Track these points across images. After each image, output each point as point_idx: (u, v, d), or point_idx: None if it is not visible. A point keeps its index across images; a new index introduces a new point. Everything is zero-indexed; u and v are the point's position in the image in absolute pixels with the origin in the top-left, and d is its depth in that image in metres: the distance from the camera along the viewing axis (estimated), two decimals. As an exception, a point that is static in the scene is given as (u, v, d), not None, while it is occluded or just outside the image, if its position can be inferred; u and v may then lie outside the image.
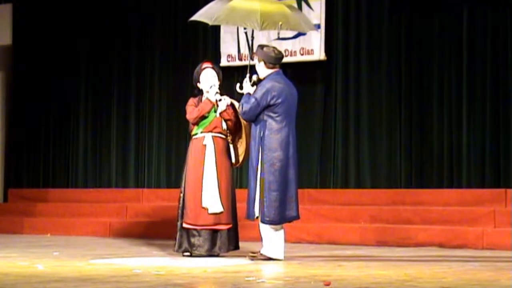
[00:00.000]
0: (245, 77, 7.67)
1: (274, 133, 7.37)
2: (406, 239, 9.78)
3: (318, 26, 11.20)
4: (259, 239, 7.52)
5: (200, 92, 7.93)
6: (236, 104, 7.78)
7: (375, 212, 10.43)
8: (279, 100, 7.39)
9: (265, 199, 7.33)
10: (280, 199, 7.35)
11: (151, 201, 12.16)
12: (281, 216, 7.38)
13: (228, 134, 7.85)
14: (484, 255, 8.50)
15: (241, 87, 7.68)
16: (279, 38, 10.58)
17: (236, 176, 11.62)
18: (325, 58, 11.24)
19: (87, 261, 7.11)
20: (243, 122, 7.80)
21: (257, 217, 7.42)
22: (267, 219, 7.33)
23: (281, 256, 7.39)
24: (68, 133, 13.19)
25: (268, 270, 6.53)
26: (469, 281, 5.66)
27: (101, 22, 13.00)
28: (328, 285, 5.19)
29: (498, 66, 10.39)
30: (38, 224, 12.22)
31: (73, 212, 12.34)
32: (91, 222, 11.93)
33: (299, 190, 10.83)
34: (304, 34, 11.04)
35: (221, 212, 7.69)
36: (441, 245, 9.55)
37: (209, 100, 7.77)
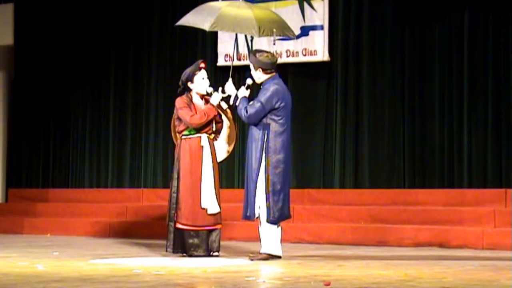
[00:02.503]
0: (227, 81, 7.73)
1: (278, 135, 7.48)
2: (406, 239, 9.78)
3: (321, 27, 11.21)
4: (252, 238, 7.53)
5: (186, 90, 7.87)
6: (224, 105, 7.82)
7: (375, 212, 10.43)
8: (283, 104, 7.50)
9: (269, 200, 7.39)
10: (283, 199, 7.48)
11: (151, 201, 12.16)
12: (283, 216, 7.51)
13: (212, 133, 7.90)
14: (484, 255, 8.49)
15: (223, 91, 7.73)
16: (281, 39, 10.58)
17: (232, 176, 11.64)
18: (329, 59, 11.24)
19: (87, 261, 7.11)
20: (227, 121, 7.88)
21: (257, 218, 7.48)
22: (273, 218, 7.42)
23: (281, 253, 7.48)
24: (68, 133, 13.19)
25: (268, 270, 6.54)
26: (469, 281, 5.67)
27: (101, 22, 13.00)
28: (328, 285, 5.19)
29: (499, 66, 10.39)
30: (38, 224, 12.22)
31: (73, 212, 12.33)
32: (91, 222, 11.92)
33: (299, 190, 10.99)
34: (306, 35, 11.06)
35: (218, 212, 7.71)
36: (441, 245, 9.55)
37: (213, 105, 7.76)
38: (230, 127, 8.02)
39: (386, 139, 10.98)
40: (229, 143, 8.05)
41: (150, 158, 12.53)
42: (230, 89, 7.73)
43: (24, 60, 13.56)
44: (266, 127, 7.49)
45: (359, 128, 11.14)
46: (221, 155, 8.00)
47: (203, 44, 12.21)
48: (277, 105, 7.47)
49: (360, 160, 11.11)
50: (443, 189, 10.51)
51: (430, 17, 10.82)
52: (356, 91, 11.19)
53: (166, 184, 12.20)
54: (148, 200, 12.22)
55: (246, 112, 7.50)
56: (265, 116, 7.47)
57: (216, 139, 7.96)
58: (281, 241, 7.58)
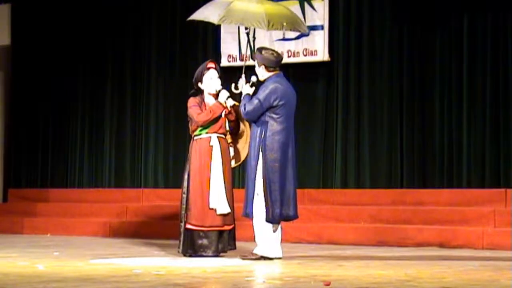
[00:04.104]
0: (241, 77, 7.72)
1: (275, 134, 7.43)
2: (406, 239, 9.78)
3: (322, 27, 11.21)
4: (252, 238, 7.53)
5: (200, 91, 7.90)
6: (230, 102, 7.80)
7: (375, 212, 10.43)
8: (282, 102, 7.45)
9: (268, 199, 7.36)
10: (280, 199, 7.42)
11: (151, 201, 12.16)
12: (280, 216, 7.45)
13: (227, 135, 7.86)
14: (484, 255, 8.49)
15: (236, 88, 7.73)
16: (282, 39, 10.59)
17: (232, 176, 11.63)
18: (329, 59, 11.24)
19: (87, 261, 7.11)
20: (246, 123, 7.83)
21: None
22: (269, 218, 7.38)
23: (273, 255, 7.41)
24: (67, 133, 13.18)
25: (268, 270, 6.53)
26: (469, 281, 5.66)
27: (99, 22, 12.99)
28: (328, 285, 5.19)
29: (498, 67, 10.39)
30: (38, 224, 12.22)
31: (73, 212, 12.33)
32: (91, 222, 11.93)
33: (299, 190, 10.89)
34: (307, 35, 11.05)
35: (229, 213, 7.70)
36: (441, 245, 9.55)
37: (220, 103, 7.75)
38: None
39: (385, 139, 10.98)
40: (235, 145, 7.97)
41: (151, 158, 12.52)
42: (242, 86, 7.68)
43: (21, 60, 13.55)
44: (264, 125, 7.44)
45: (359, 128, 11.14)
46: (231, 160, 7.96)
47: (204, 44, 12.19)
48: (275, 103, 7.43)
49: (360, 160, 11.11)
50: (443, 189, 10.51)
51: (430, 17, 10.81)
52: (356, 91, 11.19)
53: (167, 184, 12.23)
54: (148, 200, 12.22)
55: (244, 109, 7.49)
56: (263, 114, 7.45)
57: (235, 141, 7.90)
58: (281, 241, 7.57)
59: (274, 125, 7.44)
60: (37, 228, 12.11)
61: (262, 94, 7.46)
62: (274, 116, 7.44)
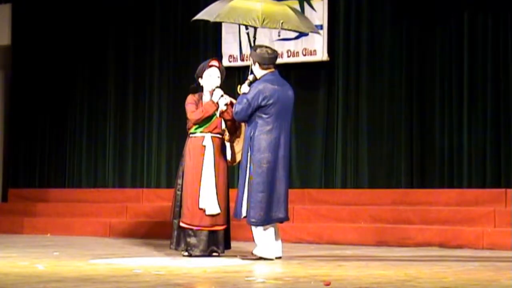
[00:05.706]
0: (248, 79, 7.69)
1: (263, 134, 7.35)
2: (406, 239, 9.79)
3: (321, 27, 11.21)
4: (252, 238, 7.53)
5: (199, 87, 7.88)
6: (225, 99, 7.79)
7: (375, 212, 10.43)
8: (271, 101, 7.36)
9: (251, 200, 7.32)
10: (267, 200, 7.33)
11: (151, 201, 12.16)
12: (267, 217, 7.36)
13: (225, 133, 7.84)
14: (484, 255, 8.50)
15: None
16: (281, 39, 10.58)
17: (232, 176, 11.63)
18: (328, 59, 11.24)
19: (87, 261, 7.11)
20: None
21: (245, 217, 7.44)
22: (253, 220, 7.33)
23: (272, 256, 7.38)
24: (66, 133, 13.19)
25: (268, 270, 6.53)
26: (469, 281, 5.66)
27: (100, 22, 13.00)
28: (328, 285, 5.18)
29: (498, 67, 10.40)
30: (38, 224, 12.22)
31: (73, 212, 12.33)
32: (91, 222, 11.93)
33: (299, 190, 10.98)
34: (306, 34, 11.05)
35: (218, 214, 7.68)
36: (441, 245, 9.55)
37: (213, 102, 7.74)
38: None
39: (385, 139, 10.98)
40: (232, 145, 7.95)
41: (154, 158, 12.52)
42: (244, 86, 7.63)
43: (21, 60, 13.56)
44: (254, 125, 7.38)
45: (359, 128, 11.15)
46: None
47: (205, 44, 12.19)
48: (263, 103, 7.35)
49: (360, 160, 11.11)
50: (442, 189, 10.52)
51: (430, 17, 10.82)
52: (356, 90, 11.20)
53: (169, 184, 12.22)
54: (148, 200, 12.23)
55: (235, 108, 7.45)
56: (253, 114, 7.38)
57: (229, 140, 7.87)
58: (283, 241, 7.56)
59: (263, 124, 7.35)
60: (37, 228, 12.12)
61: (251, 93, 7.36)
62: (263, 116, 7.36)
